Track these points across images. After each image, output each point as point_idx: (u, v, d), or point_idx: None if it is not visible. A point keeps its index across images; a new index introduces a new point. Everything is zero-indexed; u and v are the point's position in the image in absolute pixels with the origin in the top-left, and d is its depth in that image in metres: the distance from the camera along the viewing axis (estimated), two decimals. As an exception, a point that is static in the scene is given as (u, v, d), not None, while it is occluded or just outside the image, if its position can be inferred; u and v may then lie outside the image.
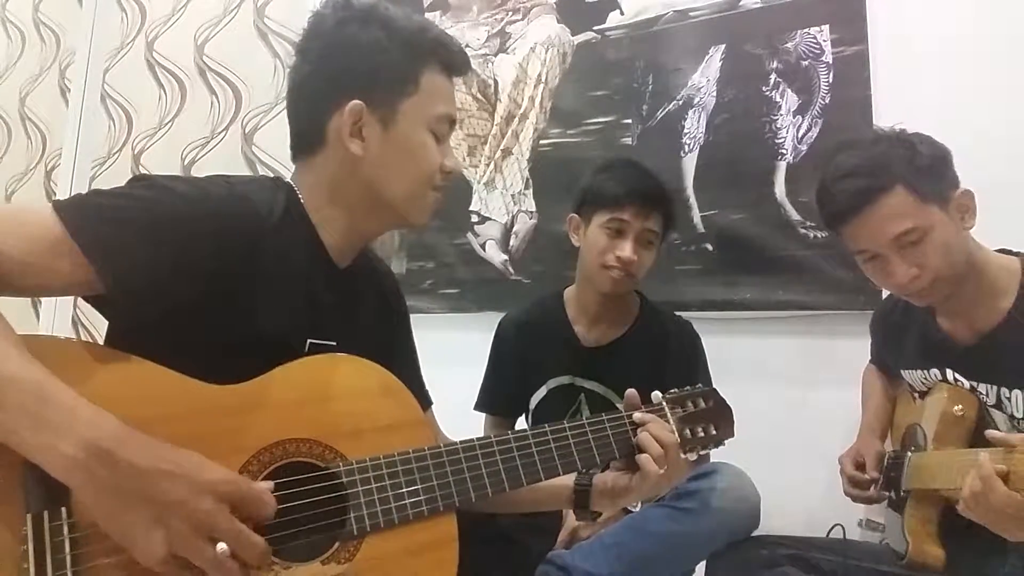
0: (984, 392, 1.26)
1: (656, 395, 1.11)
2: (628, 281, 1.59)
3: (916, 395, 1.41)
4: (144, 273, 0.83)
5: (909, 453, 1.34)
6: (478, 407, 1.81)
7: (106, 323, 0.93)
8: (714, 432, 1.12)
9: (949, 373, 1.31)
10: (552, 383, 1.70)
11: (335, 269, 1.05)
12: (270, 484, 0.81)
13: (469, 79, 2.40)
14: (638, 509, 1.41)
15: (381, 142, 1.00)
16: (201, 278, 0.87)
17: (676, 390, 1.12)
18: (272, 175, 1.27)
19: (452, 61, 1.06)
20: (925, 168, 1.21)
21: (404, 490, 0.90)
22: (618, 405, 1.60)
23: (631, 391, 1.10)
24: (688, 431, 1.09)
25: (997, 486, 1.01)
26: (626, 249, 1.54)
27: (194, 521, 0.73)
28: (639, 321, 1.69)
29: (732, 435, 1.14)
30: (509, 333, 1.78)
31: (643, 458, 1.03)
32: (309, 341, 0.99)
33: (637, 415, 1.06)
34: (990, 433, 1.09)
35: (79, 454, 0.70)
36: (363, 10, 1.03)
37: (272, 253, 0.94)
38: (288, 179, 1.06)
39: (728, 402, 1.16)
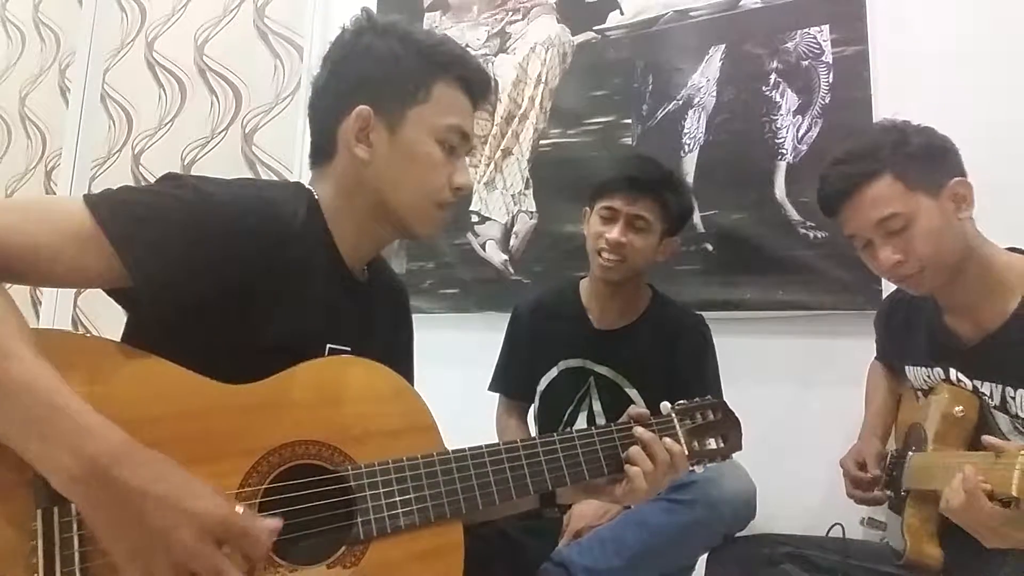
0: (988, 392, 1.25)
1: (665, 406, 1.10)
2: (620, 266, 1.62)
3: (919, 393, 1.41)
4: (171, 270, 0.84)
5: (911, 453, 1.33)
6: (493, 387, 1.86)
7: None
8: (722, 444, 1.11)
9: (953, 373, 1.30)
10: (563, 364, 1.75)
11: (352, 276, 1.05)
12: (277, 524, 0.77)
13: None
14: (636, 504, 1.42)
15: (387, 148, 1.01)
16: (226, 278, 0.87)
17: (685, 401, 1.12)
18: (283, 179, 1.26)
19: (470, 77, 1.05)
20: (914, 156, 1.22)
21: (412, 496, 0.90)
22: (627, 390, 1.69)
23: (637, 409, 1.09)
24: (696, 443, 1.09)
25: (982, 502, 1.01)
26: (613, 232, 1.60)
27: (175, 553, 0.70)
28: (650, 311, 1.74)
29: (740, 448, 1.13)
30: (524, 315, 1.84)
31: (633, 471, 1.02)
32: (328, 346, 0.99)
33: (639, 430, 1.05)
34: (986, 439, 1.08)
35: (78, 470, 0.70)
36: (383, 23, 1.04)
37: (295, 257, 0.94)
38: (307, 185, 1.06)
39: (736, 414, 1.15)
